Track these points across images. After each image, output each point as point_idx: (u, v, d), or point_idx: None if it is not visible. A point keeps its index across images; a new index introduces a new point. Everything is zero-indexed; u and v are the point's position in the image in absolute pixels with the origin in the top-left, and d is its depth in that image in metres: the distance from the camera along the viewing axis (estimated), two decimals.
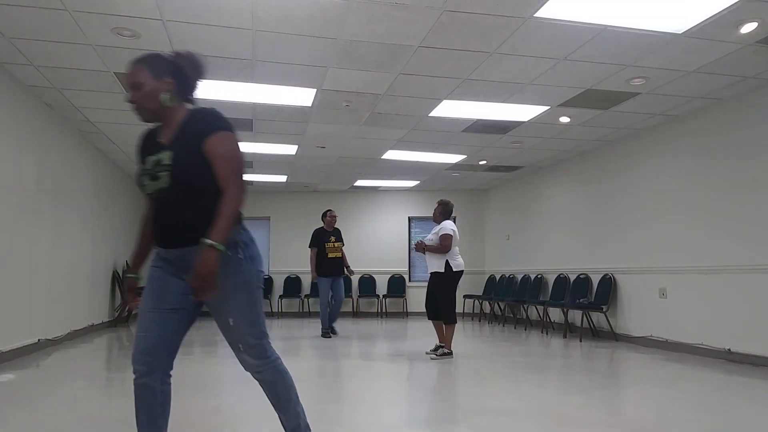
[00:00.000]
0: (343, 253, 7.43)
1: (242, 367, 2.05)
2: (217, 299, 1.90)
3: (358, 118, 6.29)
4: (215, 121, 1.92)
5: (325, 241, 7.33)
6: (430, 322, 5.70)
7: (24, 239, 5.38)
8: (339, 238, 7.45)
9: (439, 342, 5.65)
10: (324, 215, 7.57)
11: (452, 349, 5.54)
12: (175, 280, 1.96)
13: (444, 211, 5.72)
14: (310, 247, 7.40)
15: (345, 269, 7.46)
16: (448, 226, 5.55)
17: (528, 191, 9.71)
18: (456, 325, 5.57)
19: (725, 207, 5.46)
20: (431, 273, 5.61)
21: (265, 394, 2.10)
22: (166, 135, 1.96)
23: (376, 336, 6.41)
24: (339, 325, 7.89)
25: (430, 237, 5.64)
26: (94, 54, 4.45)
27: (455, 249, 5.52)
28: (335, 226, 7.57)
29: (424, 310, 5.73)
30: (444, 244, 5.43)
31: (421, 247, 5.63)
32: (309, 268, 7.40)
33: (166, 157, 1.88)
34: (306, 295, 10.97)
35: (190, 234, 1.86)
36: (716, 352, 5.42)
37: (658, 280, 6.32)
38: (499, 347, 6.46)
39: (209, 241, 1.78)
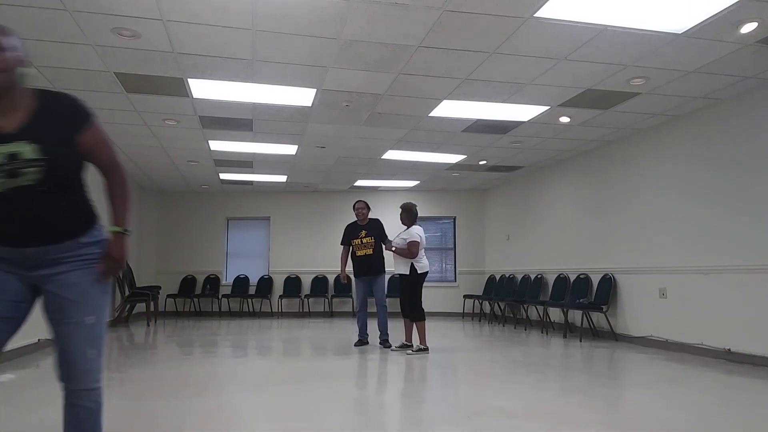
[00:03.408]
0: (381, 246, 6.36)
1: (68, 387, 1.82)
2: (75, 296, 1.77)
3: (358, 118, 6.29)
4: (84, 109, 1.77)
5: (353, 237, 6.44)
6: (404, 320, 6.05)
7: None
8: (372, 233, 6.35)
9: (405, 341, 6.01)
10: (353, 207, 6.61)
11: (428, 345, 5.83)
12: (14, 285, 1.76)
13: (411, 216, 5.98)
14: (341, 244, 6.59)
15: (385, 244, 6.32)
16: (415, 232, 5.84)
17: (528, 191, 9.71)
18: (425, 322, 5.89)
19: (725, 207, 5.46)
20: (398, 275, 5.91)
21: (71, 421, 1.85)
22: (8, 122, 1.66)
23: (376, 336, 6.39)
24: (344, 325, 7.76)
25: (398, 241, 5.94)
26: (94, 54, 4.45)
27: (420, 252, 5.81)
28: (371, 217, 6.55)
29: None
30: (412, 251, 5.73)
31: (390, 247, 5.95)
32: (305, 269, 7.08)
33: (27, 150, 1.62)
34: (306, 295, 10.98)
35: (60, 230, 1.72)
36: (716, 352, 5.42)
37: (658, 280, 6.32)
38: (499, 347, 6.46)
39: (118, 228, 1.82)
